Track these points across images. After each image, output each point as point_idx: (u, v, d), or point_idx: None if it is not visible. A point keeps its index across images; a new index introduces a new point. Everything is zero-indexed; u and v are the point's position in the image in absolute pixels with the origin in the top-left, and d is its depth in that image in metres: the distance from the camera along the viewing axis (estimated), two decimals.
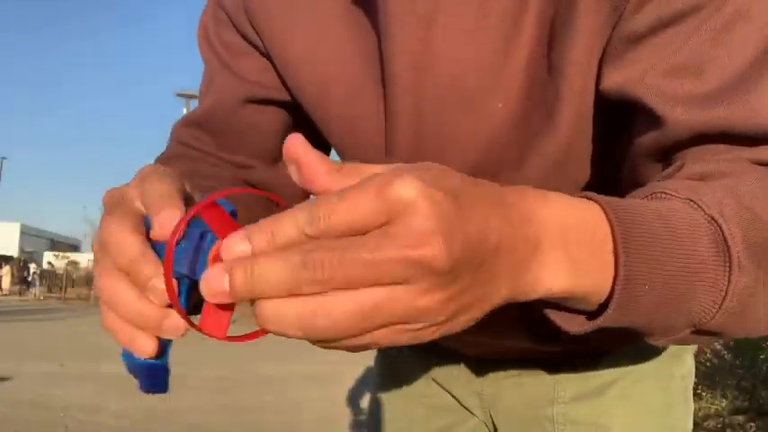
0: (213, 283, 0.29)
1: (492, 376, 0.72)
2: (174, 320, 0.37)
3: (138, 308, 0.36)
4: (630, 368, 0.66)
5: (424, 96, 0.54)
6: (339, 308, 0.28)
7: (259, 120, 0.66)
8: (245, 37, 0.65)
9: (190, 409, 4.57)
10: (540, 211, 0.34)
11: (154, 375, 0.40)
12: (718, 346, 3.02)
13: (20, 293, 24.55)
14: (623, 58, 0.46)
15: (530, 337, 0.59)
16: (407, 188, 0.28)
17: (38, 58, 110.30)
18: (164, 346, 0.40)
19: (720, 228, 0.37)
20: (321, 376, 6.71)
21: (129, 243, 0.35)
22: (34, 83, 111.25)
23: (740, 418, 2.58)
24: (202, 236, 0.34)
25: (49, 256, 46.41)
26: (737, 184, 0.40)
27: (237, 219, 0.34)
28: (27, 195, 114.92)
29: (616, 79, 0.47)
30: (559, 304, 0.38)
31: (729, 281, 0.37)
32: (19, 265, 27.45)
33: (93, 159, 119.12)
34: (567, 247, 0.34)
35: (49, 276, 27.31)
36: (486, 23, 0.50)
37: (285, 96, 0.64)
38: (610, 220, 0.35)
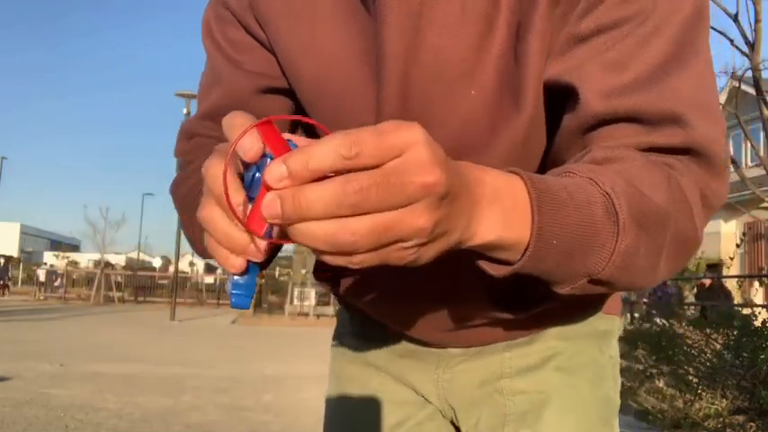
0: (269, 209, 0.36)
1: (446, 362, 0.79)
2: (257, 245, 0.42)
3: (228, 233, 0.42)
4: (566, 345, 0.76)
5: (411, 82, 0.62)
6: (361, 227, 0.36)
7: (265, 107, 0.71)
8: (250, 32, 0.71)
9: (190, 409, 4.58)
10: (483, 176, 0.44)
11: (239, 293, 0.46)
12: (719, 347, 3.01)
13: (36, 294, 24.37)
14: (566, 53, 0.58)
15: (479, 300, 0.69)
16: (416, 132, 0.37)
17: (37, 59, 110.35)
18: (251, 268, 0.46)
19: (612, 200, 0.48)
20: (321, 376, 6.70)
21: (220, 176, 0.40)
22: (34, 83, 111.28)
23: (740, 418, 2.58)
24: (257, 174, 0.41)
25: (49, 256, 46.45)
26: (627, 168, 0.51)
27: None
28: (27, 195, 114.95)
29: (557, 69, 0.58)
30: (489, 256, 0.48)
31: (617, 241, 0.47)
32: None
33: (93, 159, 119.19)
34: (500, 206, 0.44)
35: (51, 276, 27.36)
36: (466, 21, 0.60)
37: (287, 85, 0.72)
38: (528, 190, 0.45)
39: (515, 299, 0.66)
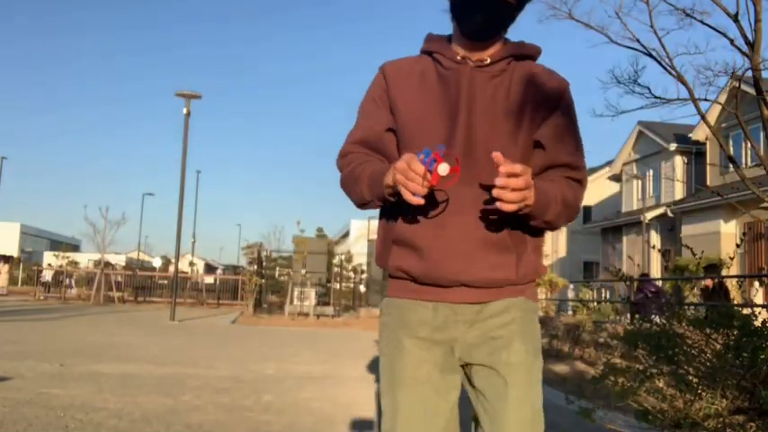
0: (441, 169, 1.24)
1: (454, 326, 1.43)
2: (424, 184, 1.24)
3: (414, 176, 1.24)
4: (522, 314, 1.45)
5: (470, 140, 1.41)
6: (525, 190, 1.25)
7: (385, 139, 1.50)
8: (384, 99, 1.51)
9: (190, 409, 4.58)
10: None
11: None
12: (719, 347, 3.01)
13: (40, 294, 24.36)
14: (544, 126, 1.47)
15: (487, 248, 1.40)
16: (528, 169, 1.27)
17: (38, 57, 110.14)
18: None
19: (558, 196, 1.39)
20: (321, 376, 6.71)
21: (411, 156, 1.26)
22: (34, 82, 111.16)
23: (740, 418, 2.58)
24: (425, 158, 1.23)
25: (49, 257, 46.40)
26: (565, 184, 1.44)
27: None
28: (27, 195, 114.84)
29: (540, 132, 1.46)
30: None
31: (557, 209, 1.40)
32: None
33: (93, 159, 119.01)
34: (533, 191, 1.31)
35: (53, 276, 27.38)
36: (500, 112, 1.43)
37: (395, 128, 1.51)
38: (538, 190, 1.32)
39: (507, 254, 1.42)
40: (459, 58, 1.44)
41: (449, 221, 1.36)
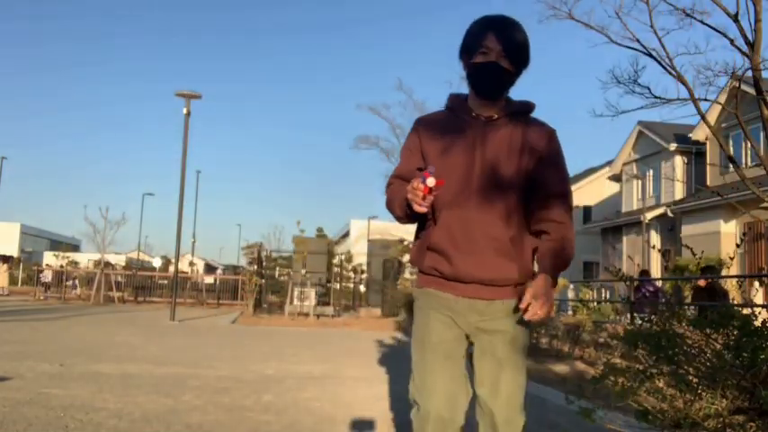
0: (429, 182, 1.76)
1: (468, 313, 1.97)
2: (425, 200, 1.79)
3: (413, 190, 1.79)
4: (515, 316, 1.93)
5: (483, 162, 1.95)
6: (549, 309, 1.88)
7: (417, 175, 1.83)
8: (417, 145, 2.06)
9: (190, 409, 4.58)
10: (541, 278, 1.87)
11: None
12: (719, 346, 3.01)
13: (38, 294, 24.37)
14: (539, 164, 1.98)
15: (497, 265, 1.94)
16: (540, 296, 1.85)
17: (38, 58, 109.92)
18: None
19: (554, 257, 1.95)
20: (321, 376, 6.71)
21: (416, 179, 1.80)
22: (34, 82, 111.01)
23: (740, 418, 2.58)
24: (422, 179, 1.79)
25: (48, 257, 46.39)
26: (562, 230, 1.97)
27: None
28: (27, 195, 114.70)
29: (535, 169, 1.97)
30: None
31: (556, 268, 1.94)
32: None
33: (93, 159, 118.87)
34: (547, 275, 1.88)
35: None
36: (505, 155, 1.96)
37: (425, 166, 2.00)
38: (545, 271, 1.89)
39: (510, 269, 1.95)
40: (473, 114, 2.01)
41: (468, 236, 1.93)
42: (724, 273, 11.39)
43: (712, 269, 9.72)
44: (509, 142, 1.94)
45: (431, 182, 1.75)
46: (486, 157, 1.93)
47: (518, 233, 1.92)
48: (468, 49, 1.97)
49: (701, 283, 9.26)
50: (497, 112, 1.99)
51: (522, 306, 1.76)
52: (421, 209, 1.78)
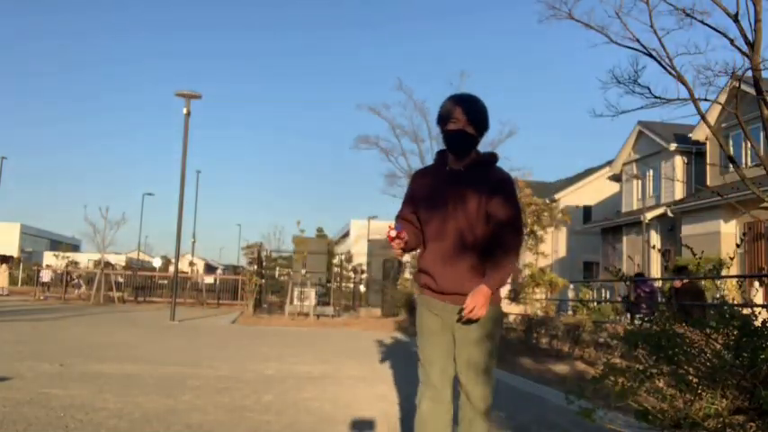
0: (390, 233, 2.59)
1: (450, 314, 2.66)
2: (400, 243, 2.62)
3: (398, 242, 2.62)
4: (486, 317, 2.61)
5: (455, 215, 2.66)
6: (483, 309, 2.66)
7: (412, 217, 2.77)
8: (410, 194, 2.83)
9: (190, 409, 4.58)
10: (484, 286, 2.58)
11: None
12: (719, 347, 3.01)
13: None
14: (491, 203, 2.63)
15: (466, 278, 2.62)
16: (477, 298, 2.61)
17: (38, 58, 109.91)
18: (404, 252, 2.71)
19: (497, 272, 2.65)
20: (321, 376, 6.71)
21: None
22: (34, 82, 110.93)
23: (740, 417, 2.58)
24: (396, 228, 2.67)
25: (48, 257, 46.40)
26: (506, 249, 2.64)
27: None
28: (27, 195, 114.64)
29: (489, 205, 2.63)
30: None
31: (499, 283, 2.66)
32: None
33: (93, 160, 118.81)
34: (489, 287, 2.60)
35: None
36: (470, 198, 2.64)
37: (417, 210, 2.79)
38: (489, 285, 2.58)
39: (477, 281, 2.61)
40: (448, 168, 2.71)
41: (446, 262, 2.65)
42: (724, 273, 11.39)
43: (685, 269, 9.75)
44: (475, 187, 2.62)
45: (393, 233, 2.55)
46: (456, 201, 2.63)
47: (481, 257, 2.59)
48: (442, 119, 2.67)
49: (677, 284, 9.31)
50: (466, 165, 2.68)
51: (465, 308, 2.50)
52: (396, 250, 2.64)
